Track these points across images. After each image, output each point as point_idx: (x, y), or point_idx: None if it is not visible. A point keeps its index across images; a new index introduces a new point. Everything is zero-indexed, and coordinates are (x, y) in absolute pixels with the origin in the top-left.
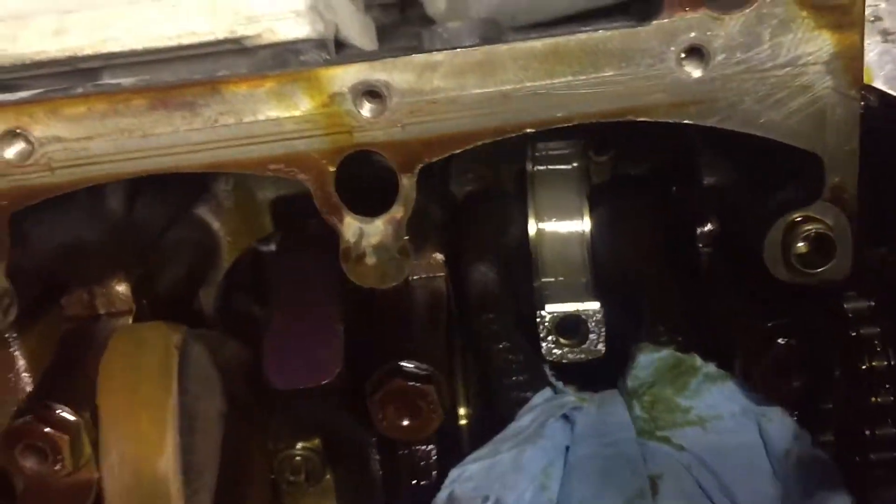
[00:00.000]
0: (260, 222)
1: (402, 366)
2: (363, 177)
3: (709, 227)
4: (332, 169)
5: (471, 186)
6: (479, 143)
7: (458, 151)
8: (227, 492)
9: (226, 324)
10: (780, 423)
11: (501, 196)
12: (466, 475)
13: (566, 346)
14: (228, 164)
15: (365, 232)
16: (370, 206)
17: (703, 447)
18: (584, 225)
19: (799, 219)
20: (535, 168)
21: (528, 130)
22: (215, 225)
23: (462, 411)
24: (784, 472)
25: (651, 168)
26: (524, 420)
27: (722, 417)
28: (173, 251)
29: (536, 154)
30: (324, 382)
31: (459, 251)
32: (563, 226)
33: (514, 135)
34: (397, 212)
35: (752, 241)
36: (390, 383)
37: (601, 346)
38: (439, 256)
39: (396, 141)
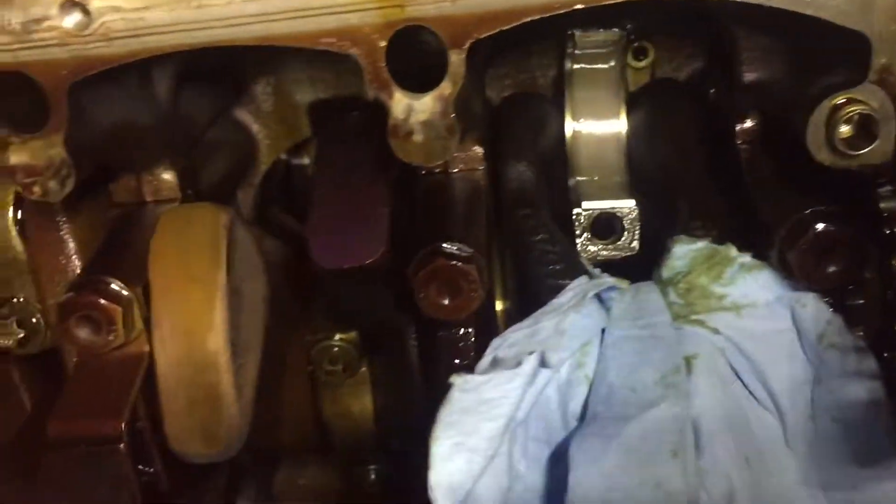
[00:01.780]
0: (298, 125)
1: (444, 247)
2: (412, 60)
3: (748, 123)
4: (382, 44)
5: (507, 92)
6: (529, 18)
7: (507, 27)
8: (266, 378)
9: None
10: (813, 309)
11: (539, 98)
12: (509, 342)
13: (601, 243)
14: (281, 37)
15: (413, 108)
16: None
17: (737, 331)
18: (620, 124)
19: (843, 101)
20: (574, 66)
21: (578, 6)
22: (254, 127)
23: (499, 306)
24: (816, 356)
25: (690, 73)
26: (564, 297)
27: (756, 305)
28: (214, 149)
29: (576, 52)
30: (368, 262)
31: (497, 151)
32: (599, 125)
33: (563, 10)
34: (446, 88)
35: (795, 128)
36: (433, 262)
37: (635, 244)
38: (479, 150)
39: (447, 15)
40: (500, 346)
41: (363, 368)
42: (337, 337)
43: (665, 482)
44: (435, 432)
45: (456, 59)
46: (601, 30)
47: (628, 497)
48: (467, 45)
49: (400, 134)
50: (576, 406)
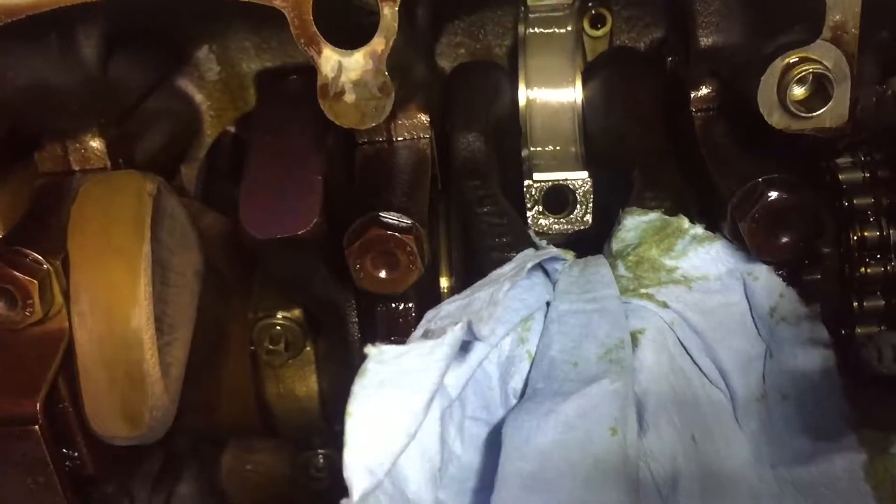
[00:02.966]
0: (244, 96)
1: (381, 216)
2: (348, 21)
3: (703, 90)
4: None
5: (461, 60)
6: None
7: None
8: (202, 357)
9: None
10: (765, 281)
11: (491, 66)
12: (442, 314)
13: (553, 216)
14: None
15: (344, 66)
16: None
17: (687, 305)
18: (576, 93)
19: (795, 60)
20: (527, 31)
21: None
22: (197, 97)
23: (444, 282)
24: (768, 330)
25: (649, 42)
26: (504, 269)
27: (707, 278)
28: (152, 119)
29: (529, 16)
30: (301, 232)
31: (447, 119)
32: (554, 93)
33: None
34: (378, 44)
35: (748, 93)
36: (368, 232)
37: (588, 218)
38: (424, 118)
39: None
40: (433, 318)
41: (308, 348)
42: (279, 315)
43: (602, 460)
44: (349, 407)
45: (388, 12)
46: None
47: (563, 475)
48: None
49: (330, 94)
50: (517, 383)
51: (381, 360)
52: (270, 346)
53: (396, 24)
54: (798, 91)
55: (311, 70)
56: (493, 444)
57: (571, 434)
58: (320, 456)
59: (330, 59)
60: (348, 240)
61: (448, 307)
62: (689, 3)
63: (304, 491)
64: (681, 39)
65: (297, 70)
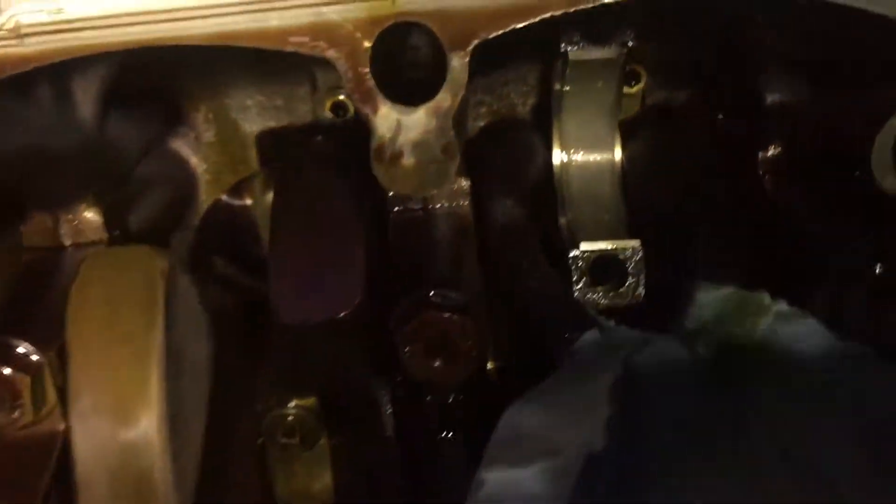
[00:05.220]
0: (245, 157)
1: (433, 296)
2: (400, 65)
3: (773, 151)
4: (367, 44)
5: (483, 121)
6: (547, 15)
7: (520, 26)
8: (209, 459)
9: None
10: (875, 372)
11: (522, 124)
12: (524, 432)
13: (602, 290)
14: (240, 35)
15: (403, 125)
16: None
17: (781, 393)
18: (616, 154)
19: None
20: (565, 88)
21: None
22: (193, 160)
23: (489, 364)
24: (879, 435)
25: (686, 99)
26: (593, 382)
27: (803, 361)
28: (146, 185)
29: (568, 71)
30: (342, 315)
31: (479, 186)
32: (593, 155)
33: (588, 6)
34: (444, 100)
35: (848, 151)
36: (422, 314)
37: (641, 290)
38: (464, 182)
39: (447, 10)
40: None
41: (321, 441)
42: (293, 404)
43: None
44: None
45: (458, 63)
46: (597, 46)
47: None
48: (471, 48)
49: (386, 157)
50: None
51: None
52: (284, 440)
53: (466, 77)
54: None
55: (328, 130)
56: None
57: None
58: None
59: (388, 118)
60: (397, 322)
61: (528, 422)
62: (747, 55)
63: None
64: (735, 95)
65: (303, 131)
